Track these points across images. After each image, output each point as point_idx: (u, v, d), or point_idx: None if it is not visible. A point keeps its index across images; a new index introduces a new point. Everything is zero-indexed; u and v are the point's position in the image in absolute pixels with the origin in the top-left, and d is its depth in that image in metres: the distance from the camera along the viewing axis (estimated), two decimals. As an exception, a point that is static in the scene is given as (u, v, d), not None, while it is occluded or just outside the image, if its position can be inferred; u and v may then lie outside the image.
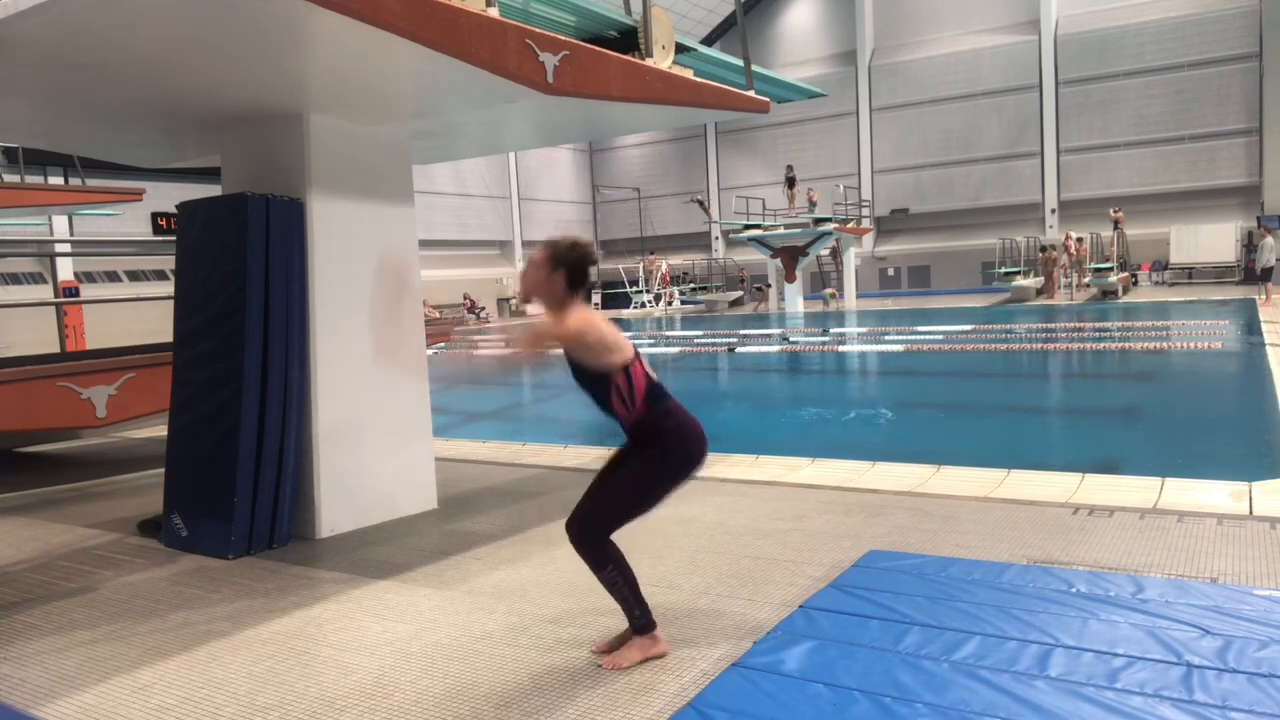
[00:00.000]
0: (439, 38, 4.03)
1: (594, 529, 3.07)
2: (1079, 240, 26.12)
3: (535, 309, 3.10)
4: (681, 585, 3.87)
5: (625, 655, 3.10)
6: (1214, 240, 28.76)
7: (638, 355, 3.07)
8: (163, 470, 5.28)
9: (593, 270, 3.12)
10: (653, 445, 3.05)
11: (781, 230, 27.05)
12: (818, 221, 26.78)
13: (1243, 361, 12.16)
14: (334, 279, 5.16)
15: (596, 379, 3.02)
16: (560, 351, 3.06)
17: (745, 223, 28.74)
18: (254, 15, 3.63)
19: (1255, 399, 9.04)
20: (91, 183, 13.92)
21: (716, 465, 6.46)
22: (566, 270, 3.03)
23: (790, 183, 28.66)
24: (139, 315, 10.98)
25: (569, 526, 3.11)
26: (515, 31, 4.49)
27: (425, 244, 25.97)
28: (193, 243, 5.18)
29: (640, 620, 3.12)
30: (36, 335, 13.22)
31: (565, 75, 4.78)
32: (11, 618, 3.96)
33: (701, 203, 34.49)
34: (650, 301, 32.69)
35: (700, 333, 21.00)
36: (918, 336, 17.16)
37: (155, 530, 5.20)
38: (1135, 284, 28.60)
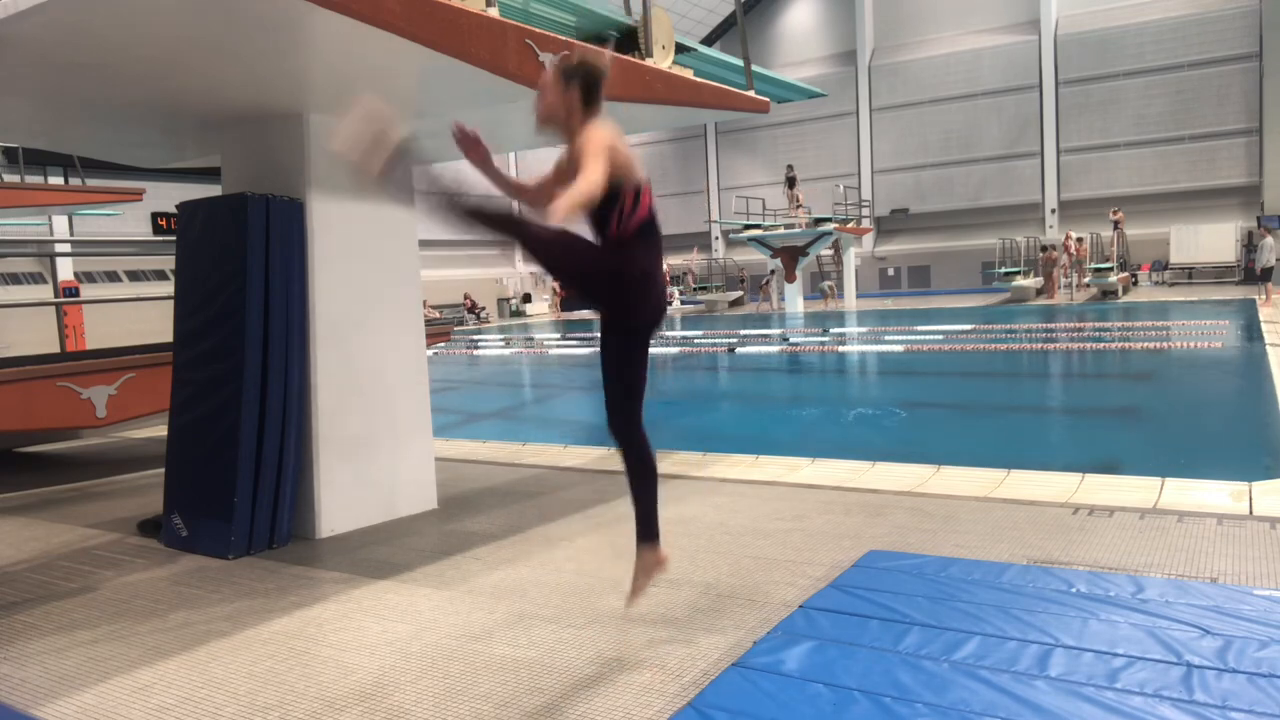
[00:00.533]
0: (439, 38, 4.03)
1: (636, 414, 3.14)
2: (1079, 240, 26.13)
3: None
4: (681, 585, 3.87)
5: (635, 585, 3.19)
6: (1214, 240, 28.76)
7: (649, 187, 3.02)
8: (163, 470, 5.28)
9: (606, 81, 3.03)
10: (619, 293, 3.02)
11: (781, 230, 27.06)
12: (817, 221, 26.79)
13: (1243, 361, 12.16)
14: (334, 279, 5.16)
15: (607, 194, 2.90)
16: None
17: (745, 223, 28.74)
18: (254, 15, 3.63)
19: (1255, 399, 9.04)
20: (91, 183, 13.94)
21: (716, 465, 6.46)
22: (580, 83, 2.98)
23: (790, 183, 28.65)
24: (139, 315, 10.98)
25: (619, 425, 3.16)
26: (515, 31, 4.49)
27: (425, 244, 25.95)
28: (193, 243, 5.18)
29: (645, 528, 3.22)
30: (36, 335, 13.22)
31: (565, 75, 4.77)
32: (11, 618, 3.96)
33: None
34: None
35: (700, 333, 21.01)
36: (918, 336, 17.16)
37: (155, 530, 5.20)
38: (1135, 284, 28.61)
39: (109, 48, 3.89)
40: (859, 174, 35.49)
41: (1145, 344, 14.00)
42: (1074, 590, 3.49)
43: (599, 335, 3.19)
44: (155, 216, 13.51)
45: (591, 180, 2.74)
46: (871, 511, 4.97)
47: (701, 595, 3.76)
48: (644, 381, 3.17)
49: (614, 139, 2.92)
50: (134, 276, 24.51)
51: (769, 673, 2.90)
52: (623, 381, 3.15)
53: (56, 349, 11.39)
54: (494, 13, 4.41)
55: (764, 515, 5.02)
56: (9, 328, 14.48)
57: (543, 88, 3.01)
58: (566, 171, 3.02)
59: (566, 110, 2.98)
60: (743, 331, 20.87)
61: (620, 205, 2.94)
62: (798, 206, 27.86)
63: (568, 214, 2.70)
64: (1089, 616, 3.22)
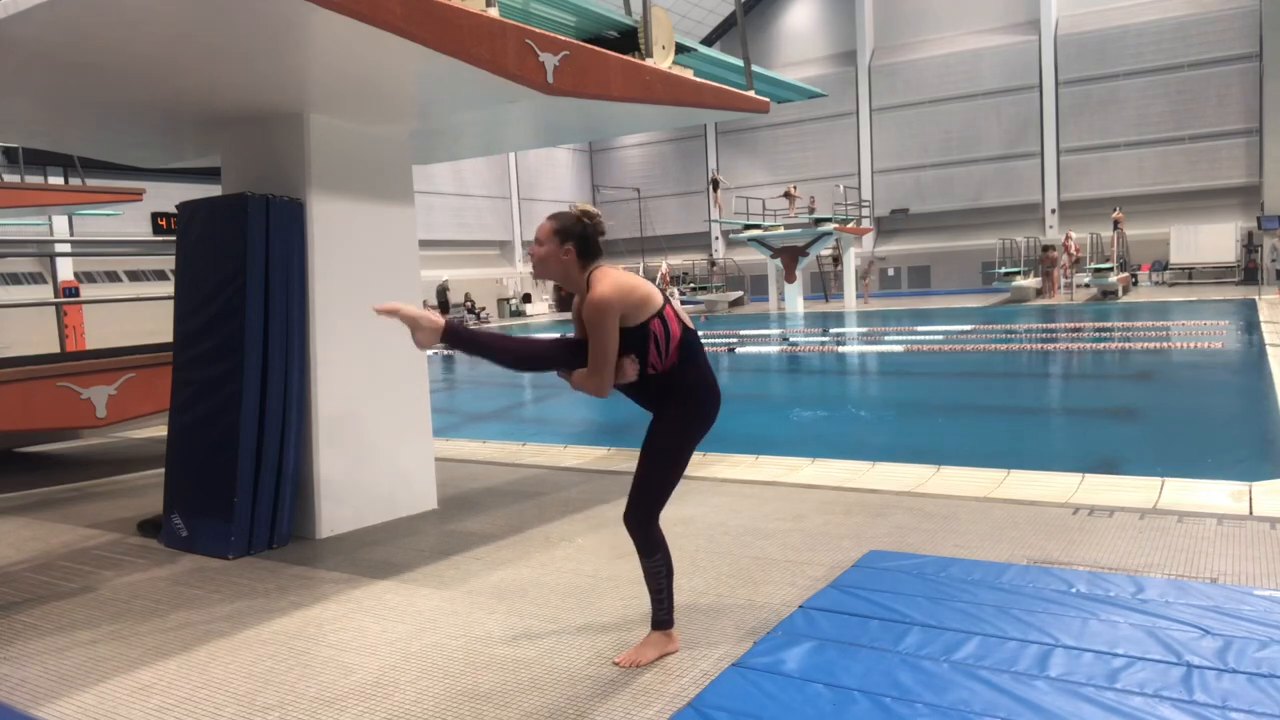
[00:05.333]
0: (439, 38, 4.03)
1: (642, 510, 3.08)
2: (1077, 240, 26.16)
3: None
4: (681, 585, 3.86)
5: (643, 652, 3.13)
6: (1214, 240, 28.77)
7: (666, 300, 3.06)
8: (163, 470, 5.28)
9: (602, 240, 3.08)
10: (672, 399, 3.04)
11: (781, 230, 27.07)
12: (817, 222, 26.80)
13: (1243, 361, 12.16)
14: (334, 279, 5.16)
15: (631, 337, 2.97)
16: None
17: (745, 223, 28.73)
18: (254, 15, 3.63)
19: (1255, 399, 9.04)
20: (91, 183, 13.91)
21: (716, 465, 6.46)
22: (575, 242, 3.00)
23: (789, 195, 28.83)
24: (139, 315, 10.97)
25: (625, 515, 3.12)
26: (515, 31, 4.49)
27: (425, 244, 25.97)
28: (193, 243, 5.18)
29: (664, 615, 3.17)
30: (36, 335, 13.22)
31: (565, 75, 4.78)
32: (11, 618, 3.96)
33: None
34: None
35: (700, 333, 20.98)
36: (918, 336, 17.16)
37: (155, 530, 5.20)
38: (1135, 284, 28.60)
39: (109, 48, 3.89)
40: (859, 174, 35.48)
41: (1145, 344, 14.00)
42: (1074, 590, 3.49)
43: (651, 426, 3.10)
44: (155, 216, 13.46)
45: (598, 364, 2.93)
46: (871, 511, 4.97)
47: (701, 595, 3.76)
48: (674, 475, 3.11)
49: (617, 291, 2.94)
50: (134, 276, 24.50)
51: (769, 673, 2.90)
52: (646, 470, 3.08)
53: (56, 349, 11.39)
54: (494, 13, 4.41)
55: (764, 515, 5.02)
56: (9, 328, 14.47)
57: (539, 240, 3.05)
58: (579, 326, 3.09)
59: (564, 268, 3.03)
60: (742, 331, 20.86)
61: (653, 338, 2.99)
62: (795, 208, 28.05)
63: (595, 389, 2.96)
64: (1089, 616, 3.22)
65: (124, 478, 7.20)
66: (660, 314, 3.00)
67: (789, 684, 2.81)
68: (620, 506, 3.21)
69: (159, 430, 8.68)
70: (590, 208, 3.11)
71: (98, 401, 7.03)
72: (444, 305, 31.13)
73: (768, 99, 7.15)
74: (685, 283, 34.53)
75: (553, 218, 3.05)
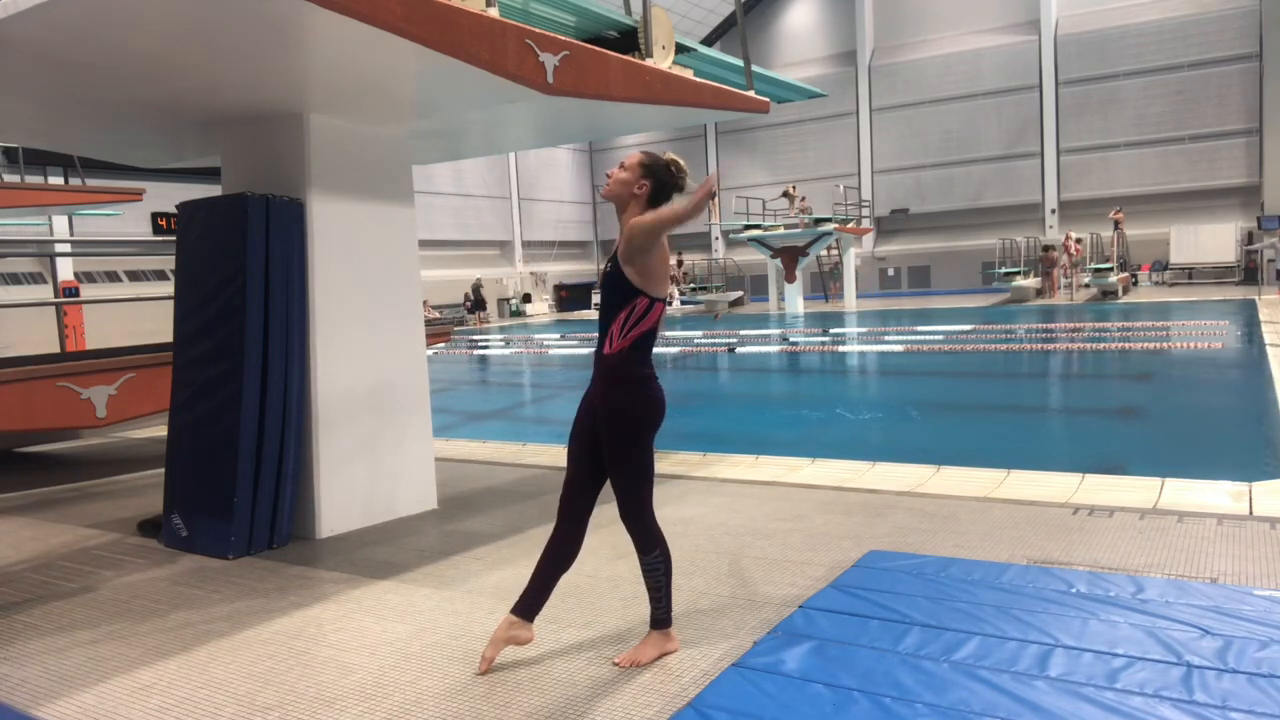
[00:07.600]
0: (439, 38, 4.03)
1: (633, 505, 3.12)
2: (1077, 241, 26.13)
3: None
4: (681, 585, 3.86)
5: (642, 651, 3.14)
6: (1214, 240, 28.75)
7: (664, 304, 3.11)
8: (163, 470, 5.28)
9: (676, 196, 3.16)
10: (618, 398, 3.05)
11: (781, 230, 27.06)
12: (817, 222, 26.79)
13: (1243, 361, 12.16)
14: (334, 279, 5.16)
15: (623, 290, 3.01)
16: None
17: (745, 223, 28.73)
18: (254, 15, 3.63)
19: (1255, 399, 9.04)
20: (91, 183, 13.91)
21: (716, 465, 6.46)
22: (654, 182, 3.10)
23: (788, 195, 28.81)
24: (139, 315, 10.96)
25: (620, 515, 3.17)
26: (515, 31, 4.49)
27: (425, 244, 25.96)
28: (193, 243, 5.18)
29: (662, 614, 3.18)
30: (36, 335, 13.22)
31: (565, 75, 4.78)
32: (11, 618, 3.96)
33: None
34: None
35: (700, 333, 21.00)
36: (918, 336, 17.16)
37: (155, 530, 5.20)
38: (1135, 284, 28.59)
39: (109, 48, 3.89)
40: (859, 174, 35.46)
41: (1145, 344, 14.00)
42: (1074, 590, 3.49)
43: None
44: (155, 216, 13.44)
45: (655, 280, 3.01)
46: (871, 511, 4.97)
47: (701, 595, 3.76)
48: (652, 469, 3.14)
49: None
50: (134, 276, 24.47)
51: (769, 673, 2.90)
52: (621, 477, 3.12)
53: (56, 349, 11.39)
54: (494, 13, 4.41)
55: (764, 515, 5.02)
56: (9, 328, 14.47)
57: (623, 165, 3.14)
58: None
59: (633, 200, 3.11)
60: (742, 331, 20.86)
61: (630, 309, 3.01)
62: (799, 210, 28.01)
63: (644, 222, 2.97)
64: (1089, 616, 3.22)
65: (124, 478, 7.20)
66: (654, 299, 3.04)
67: (789, 684, 2.81)
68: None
69: (159, 430, 8.68)
70: (679, 160, 3.20)
71: (98, 401, 7.03)
72: (480, 303, 31.53)
73: (768, 99, 7.15)
74: (685, 282, 34.50)
75: (646, 154, 3.18)
